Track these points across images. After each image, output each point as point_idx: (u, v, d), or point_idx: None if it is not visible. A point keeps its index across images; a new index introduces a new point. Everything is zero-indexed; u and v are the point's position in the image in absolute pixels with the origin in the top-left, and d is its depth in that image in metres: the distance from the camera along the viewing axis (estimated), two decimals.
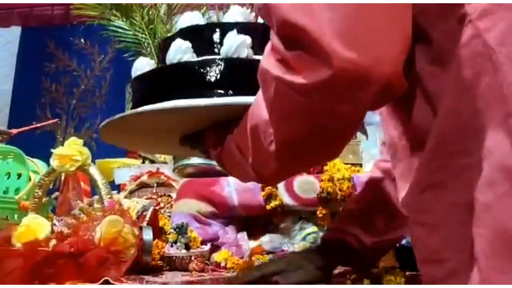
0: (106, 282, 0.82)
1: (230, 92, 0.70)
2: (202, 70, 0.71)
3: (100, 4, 1.71)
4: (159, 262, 1.05)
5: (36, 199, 1.01)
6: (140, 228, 1.00)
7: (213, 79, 0.70)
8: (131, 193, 1.43)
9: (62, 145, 1.01)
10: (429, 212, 0.45)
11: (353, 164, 1.24)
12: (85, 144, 1.04)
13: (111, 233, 0.88)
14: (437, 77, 0.44)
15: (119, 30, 1.77)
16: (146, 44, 1.74)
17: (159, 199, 1.36)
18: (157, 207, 1.30)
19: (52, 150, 0.99)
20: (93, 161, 1.03)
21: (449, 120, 0.42)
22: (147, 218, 1.11)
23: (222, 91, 0.70)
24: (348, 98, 0.44)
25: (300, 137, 0.49)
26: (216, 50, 0.74)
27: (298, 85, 0.44)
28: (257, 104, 0.52)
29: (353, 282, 0.81)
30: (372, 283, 0.84)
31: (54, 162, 0.96)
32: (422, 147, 0.46)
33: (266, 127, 0.51)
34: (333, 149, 0.52)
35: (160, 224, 1.19)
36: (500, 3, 0.39)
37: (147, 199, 1.31)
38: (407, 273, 0.82)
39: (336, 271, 0.84)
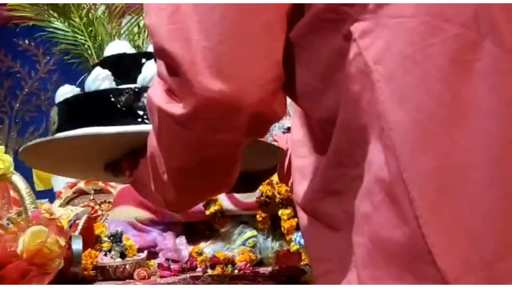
0: None
1: (145, 120, 0.72)
2: (116, 98, 0.73)
3: (36, 4, 1.65)
4: (91, 272, 1.02)
5: None
6: (70, 238, 0.96)
7: (126, 107, 0.73)
8: (70, 201, 1.39)
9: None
10: (332, 216, 0.47)
11: None
12: None
13: (34, 245, 0.84)
14: (327, 93, 0.45)
15: (58, 31, 1.72)
16: (86, 46, 1.69)
17: (97, 207, 1.33)
18: (94, 215, 1.26)
19: None
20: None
21: (342, 134, 0.44)
22: (79, 227, 1.08)
23: (137, 119, 0.72)
24: (222, 128, 0.46)
25: (186, 165, 0.51)
26: (136, 79, 0.77)
27: (175, 115, 0.46)
28: (152, 133, 0.53)
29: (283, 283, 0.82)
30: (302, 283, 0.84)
31: None
32: (323, 153, 0.47)
33: (159, 156, 0.52)
34: (224, 177, 0.54)
35: (97, 232, 1.16)
36: (377, 22, 0.40)
37: (83, 207, 1.27)
38: None
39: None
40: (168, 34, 0.44)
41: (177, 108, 0.45)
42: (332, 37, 0.43)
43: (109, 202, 1.35)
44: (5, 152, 0.98)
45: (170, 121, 0.47)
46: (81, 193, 1.37)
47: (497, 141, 0.38)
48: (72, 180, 1.36)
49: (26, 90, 3.03)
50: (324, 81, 0.45)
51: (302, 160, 0.54)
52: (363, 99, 0.41)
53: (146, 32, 1.75)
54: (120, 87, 0.77)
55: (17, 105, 2.99)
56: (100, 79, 0.76)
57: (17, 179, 0.93)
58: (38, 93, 3.01)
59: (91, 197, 1.33)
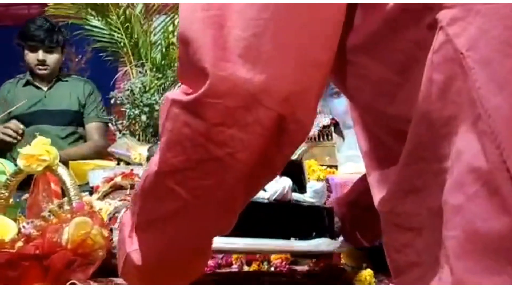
0: (73, 285, 0.80)
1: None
2: None
3: (75, 3, 1.68)
4: None
5: (2, 200, 0.98)
6: (111, 230, 0.98)
7: None
8: (106, 195, 1.40)
9: None
10: (414, 216, 0.45)
11: (329, 166, 1.24)
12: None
13: (79, 235, 0.85)
14: (403, 86, 0.44)
15: (94, 29, 1.75)
16: (122, 44, 1.72)
17: None
18: None
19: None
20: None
21: (421, 127, 0.42)
22: (118, 220, 1.09)
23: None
24: (235, 121, 0.43)
25: (181, 166, 0.46)
26: None
27: (187, 100, 0.43)
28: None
29: (321, 282, 0.81)
30: (343, 283, 0.83)
31: (20, 162, 0.94)
32: (394, 161, 0.45)
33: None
34: (219, 210, 0.49)
35: None
36: (468, 9, 0.39)
37: (120, 201, 1.28)
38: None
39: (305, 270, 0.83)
40: (203, 20, 0.42)
41: (189, 96, 0.43)
42: (412, 28, 0.42)
43: None
44: None
45: (180, 111, 0.44)
46: (117, 187, 1.39)
47: None
48: (109, 174, 1.38)
49: None
50: (402, 74, 0.43)
51: (374, 174, 0.51)
52: (451, 89, 0.39)
53: None
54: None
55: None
56: None
57: (62, 171, 0.95)
58: None
59: (127, 192, 1.34)
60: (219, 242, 0.69)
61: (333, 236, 0.81)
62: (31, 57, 2.13)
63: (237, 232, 0.70)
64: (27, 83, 2.19)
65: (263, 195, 0.76)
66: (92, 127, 2.20)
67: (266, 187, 0.77)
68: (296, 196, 0.78)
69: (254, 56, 0.42)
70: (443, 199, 0.40)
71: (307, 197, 0.81)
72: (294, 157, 0.89)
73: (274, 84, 0.42)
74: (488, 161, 0.37)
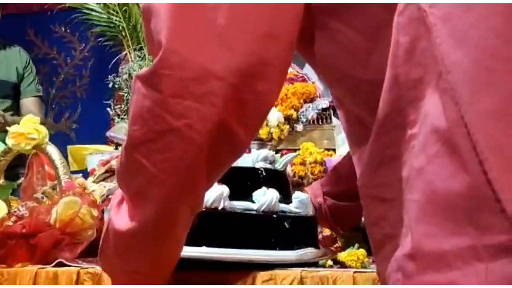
0: (60, 264, 0.79)
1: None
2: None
3: None
4: None
5: None
6: (102, 211, 0.96)
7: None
8: (103, 180, 1.40)
9: None
10: (387, 187, 0.43)
11: (327, 149, 1.22)
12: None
13: (67, 215, 0.84)
14: (374, 50, 0.43)
15: (92, 13, 1.73)
16: (121, 27, 1.70)
17: None
18: None
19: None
20: None
21: (391, 92, 0.40)
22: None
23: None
24: (190, 92, 0.43)
25: (142, 138, 0.47)
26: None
27: (145, 74, 0.45)
28: None
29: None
30: (335, 262, 0.81)
31: (9, 141, 0.93)
32: (369, 127, 0.44)
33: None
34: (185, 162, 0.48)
35: None
36: None
37: (115, 183, 1.27)
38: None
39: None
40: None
41: (147, 70, 0.45)
42: None
43: None
44: None
45: (140, 85, 0.45)
46: (113, 172, 1.38)
47: None
48: (106, 157, 1.37)
49: (62, 76, 3.09)
50: (373, 38, 0.42)
51: (355, 152, 0.50)
52: (416, 50, 0.38)
53: None
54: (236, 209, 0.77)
55: (53, 91, 3.06)
56: (219, 198, 0.76)
57: (52, 150, 0.94)
58: (74, 79, 3.07)
59: None
60: (208, 252, 0.73)
61: (318, 246, 0.84)
62: None
63: (226, 243, 0.74)
64: None
65: (251, 207, 0.78)
66: (30, 102, 2.00)
67: (254, 198, 0.78)
68: (282, 206, 0.80)
69: (207, 29, 0.43)
70: (408, 164, 0.39)
71: (292, 208, 0.82)
72: (279, 167, 0.89)
73: (226, 55, 0.43)
74: (448, 119, 0.35)
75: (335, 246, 0.94)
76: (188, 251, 0.70)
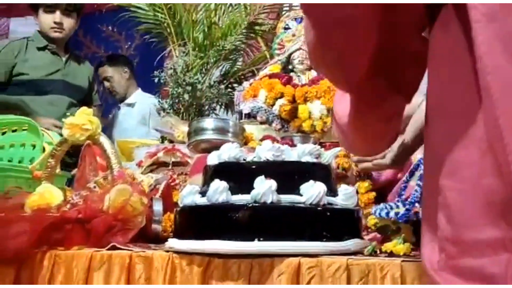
0: (113, 248, 0.82)
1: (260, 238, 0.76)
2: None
3: None
4: (171, 234, 1.05)
5: (49, 169, 1.02)
6: (151, 199, 1.00)
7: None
8: (151, 171, 1.44)
9: None
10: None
11: None
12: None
13: (119, 202, 0.88)
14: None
15: (139, 11, 1.78)
16: (166, 24, 1.74)
17: (175, 177, 1.36)
18: (172, 183, 1.30)
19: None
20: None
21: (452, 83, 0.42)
22: (160, 191, 1.12)
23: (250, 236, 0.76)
24: None
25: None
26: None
27: None
28: None
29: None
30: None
31: (64, 132, 0.97)
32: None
33: None
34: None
35: (175, 199, 1.19)
36: None
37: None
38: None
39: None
40: None
41: None
42: None
43: (186, 174, 1.38)
44: None
45: None
46: (160, 164, 1.42)
47: None
48: (152, 150, 1.41)
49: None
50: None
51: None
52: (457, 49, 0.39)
53: (223, 9, 1.78)
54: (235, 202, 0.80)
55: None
56: (218, 192, 0.79)
57: (104, 140, 0.98)
58: None
59: (170, 168, 1.37)
60: (256, 246, 0.75)
61: (362, 237, 0.86)
62: (47, 19, 1.98)
63: (274, 235, 0.76)
64: (44, 47, 2.03)
65: (298, 199, 0.80)
66: (94, 109, 2.21)
67: (301, 191, 0.81)
68: (328, 199, 0.82)
69: None
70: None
71: (339, 200, 0.84)
72: (324, 160, 0.90)
73: None
74: (485, 119, 0.38)
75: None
76: (239, 246, 0.75)
